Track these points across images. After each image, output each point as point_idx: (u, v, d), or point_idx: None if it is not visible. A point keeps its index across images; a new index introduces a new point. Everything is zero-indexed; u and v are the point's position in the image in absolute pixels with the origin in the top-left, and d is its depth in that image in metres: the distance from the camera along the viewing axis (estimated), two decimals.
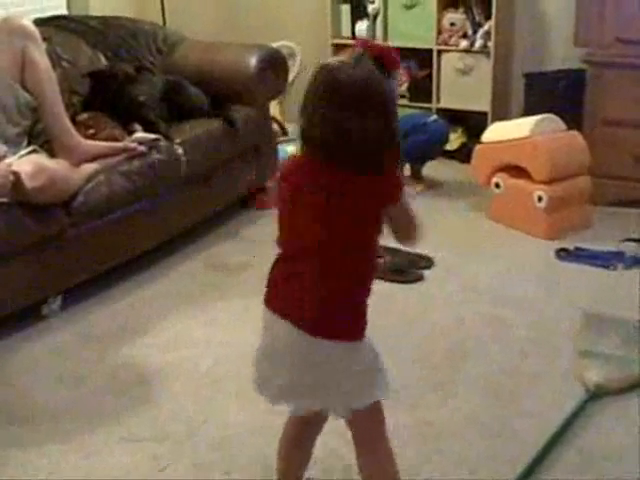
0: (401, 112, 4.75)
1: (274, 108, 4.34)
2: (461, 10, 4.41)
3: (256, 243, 3.48)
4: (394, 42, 4.44)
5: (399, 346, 2.60)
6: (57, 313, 2.91)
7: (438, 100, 4.54)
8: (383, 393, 1.64)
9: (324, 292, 1.54)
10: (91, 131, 3.15)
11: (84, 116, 3.24)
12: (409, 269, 3.20)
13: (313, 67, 1.54)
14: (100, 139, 3.14)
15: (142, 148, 3.17)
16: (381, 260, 3.16)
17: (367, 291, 1.60)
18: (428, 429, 2.24)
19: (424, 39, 4.46)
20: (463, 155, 4.33)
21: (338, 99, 1.46)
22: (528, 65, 4.41)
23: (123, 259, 3.16)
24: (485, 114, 4.37)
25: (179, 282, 3.20)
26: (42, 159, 2.86)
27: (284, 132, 4.53)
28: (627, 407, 2.33)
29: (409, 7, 4.47)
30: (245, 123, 3.68)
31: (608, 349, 2.55)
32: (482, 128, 4.00)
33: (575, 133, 3.63)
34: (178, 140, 3.34)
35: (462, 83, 4.45)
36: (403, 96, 4.62)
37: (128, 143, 3.17)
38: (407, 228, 1.56)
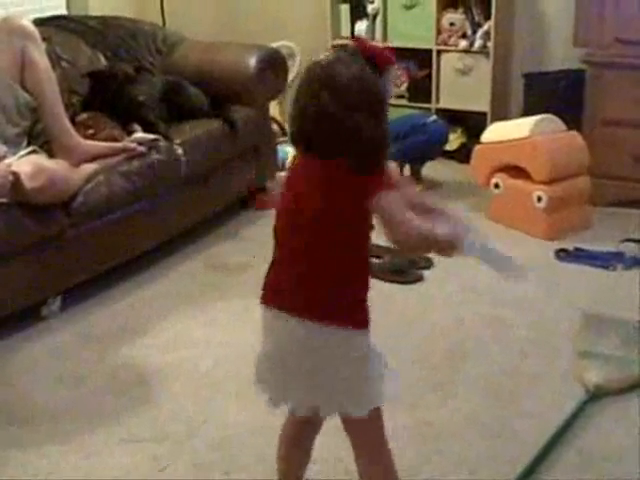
0: (400, 112, 4.77)
1: (274, 108, 4.34)
2: (460, 10, 4.41)
3: (256, 243, 3.47)
4: (393, 42, 4.45)
5: (399, 346, 2.59)
6: (57, 314, 2.91)
7: (437, 100, 4.54)
8: (381, 400, 1.63)
9: (312, 276, 1.55)
10: (90, 131, 3.15)
11: (83, 116, 3.24)
12: (409, 269, 3.20)
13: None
14: (99, 139, 3.14)
15: (142, 148, 3.17)
16: (381, 260, 3.17)
17: (357, 278, 1.58)
18: (428, 429, 2.24)
19: (423, 39, 4.46)
20: (462, 155, 4.33)
21: (328, 94, 1.46)
22: (527, 65, 4.41)
23: (123, 259, 3.16)
24: (484, 114, 4.37)
25: (179, 282, 3.20)
26: (42, 159, 2.86)
27: (284, 132, 4.53)
28: (627, 408, 2.33)
29: (408, 7, 4.48)
30: (245, 123, 3.68)
31: (608, 350, 2.55)
32: (481, 128, 4.00)
33: (574, 133, 3.64)
34: (178, 140, 3.34)
35: (461, 83, 4.45)
36: (402, 96, 4.63)
37: (128, 143, 3.17)
38: (390, 229, 1.50)
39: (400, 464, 1.73)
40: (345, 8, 4.67)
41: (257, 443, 2.16)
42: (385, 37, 4.57)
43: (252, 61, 3.71)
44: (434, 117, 4.23)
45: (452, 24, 4.40)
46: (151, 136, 3.26)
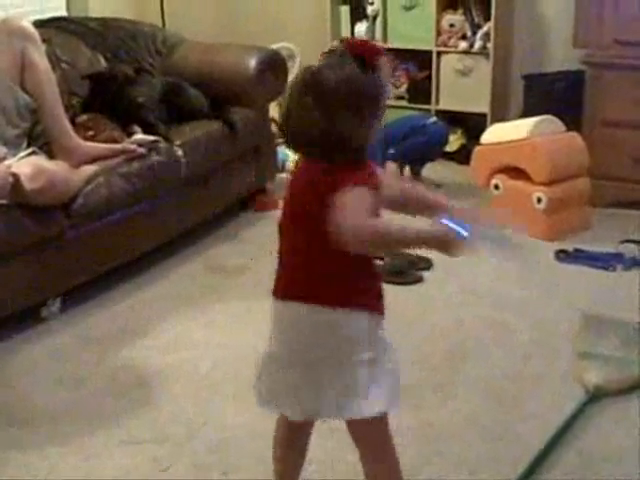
0: (400, 114, 4.77)
1: (273, 109, 4.33)
2: (460, 11, 4.41)
3: (255, 245, 3.48)
4: (393, 43, 4.46)
5: (398, 347, 2.54)
6: (57, 315, 2.91)
7: (437, 102, 4.54)
8: (380, 407, 1.62)
9: (311, 266, 1.57)
10: (90, 133, 3.15)
11: (83, 118, 3.24)
12: (408, 270, 3.20)
13: None
14: (99, 141, 3.14)
15: (141, 150, 3.17)
16: (380, 262, 3.17)
17: (356, 269, 1.59)
18: (428, 430, 2.24)
19: (423, 40, 4.46)
20: (462, 157, 4.33)
21: (312, 100, 1.49)
22: (527, 66, 4.42)
23: (123, 261, 3.16)
24: (484, 115, 4.38)
25: (179, 284, 3.20)
26: (41, 161, 2.86)
27: None
28: (627, 408, 2.33)
29: (408, 8, 4.48)
30: (244, 125, 3.68)
31: (607, 350, 2.55)
32: (481, 129, 4.00)
33: (574, 134, 3.64)
34: (178, 142, 3.34)
35: (461, 84, 4.45)
36: (402, 97, 4.63)
37: (127, 145, 3.17)
38: (333, 224, 1.45)
39: (400, 464, 1.73)
40: (345, 9, 4.67)
41: (255, 445, 2.16)
42: (385, 38, 4.57)
43: (252, 62, 3.71)
44: (434, 118, 4.24)
45: (452, 25, 4.40)
46: (151, 137, 3.26)
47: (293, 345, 1.63)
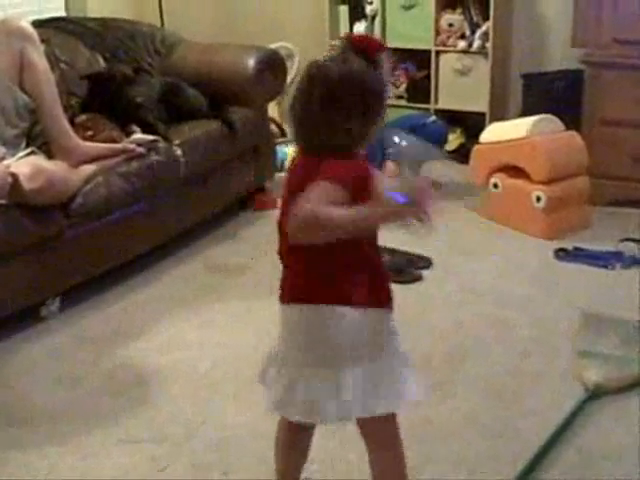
0: (399, 113, 4.76)
1: (272, 109, 4.34)
2: (459, 11, 4.41)
3: (254, 244, 3.48)
4: (392, 43, 4.44)
5: None
6: (56, 314, 2.91)
7: (436, 101, 4.54)
8: (388, 406, 1.62)
9: (311, 264, 1.57)
10: (89, 133, 3.15)
11: (82, 118, 3.23)
12: (407, 269, 3.19)
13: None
14: (98, 141, 3.14)
15: (140, 149, 3.17)
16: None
17: (356, 264, 1.60)
18: (427, 428, 2.24)
19: (422, 40, 4.46)
20: (461, 156, 4.33)
21: (317, 93, 1.51)
22: (526, 66, 4.41)
23: (121, 260, 3.16)
24: (483, 115, 4.38)
25: (178, 283, 3.20)
26: (40, 161, 2.87)
27: (282, 133, 4.53)
28: (626, 407, 2.33)
29: (407, 8, 4.48)
30: (243, 124, 3.68)
31: (607, 349, 2.55)
32: (480, 129, 4.00)
33: (573, 133, 3.64)
34: (177, 141, 3.34)
35: (460, 84, 4.45)
36: (401, 97, 4.63)
37: (126, 145, 3.17)
38: (291, 213, 1.44)
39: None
40: (344, 9, 4.67)
41: (255, 444, 2.16)
42: (384, 38, 4.55)
43: (251, 62, 3.71)
44: (433, 117, 4.24)
45: (451, 25, 4.40)
46: (150, 137, 3.26)
47: (308, 346, 1.62)
